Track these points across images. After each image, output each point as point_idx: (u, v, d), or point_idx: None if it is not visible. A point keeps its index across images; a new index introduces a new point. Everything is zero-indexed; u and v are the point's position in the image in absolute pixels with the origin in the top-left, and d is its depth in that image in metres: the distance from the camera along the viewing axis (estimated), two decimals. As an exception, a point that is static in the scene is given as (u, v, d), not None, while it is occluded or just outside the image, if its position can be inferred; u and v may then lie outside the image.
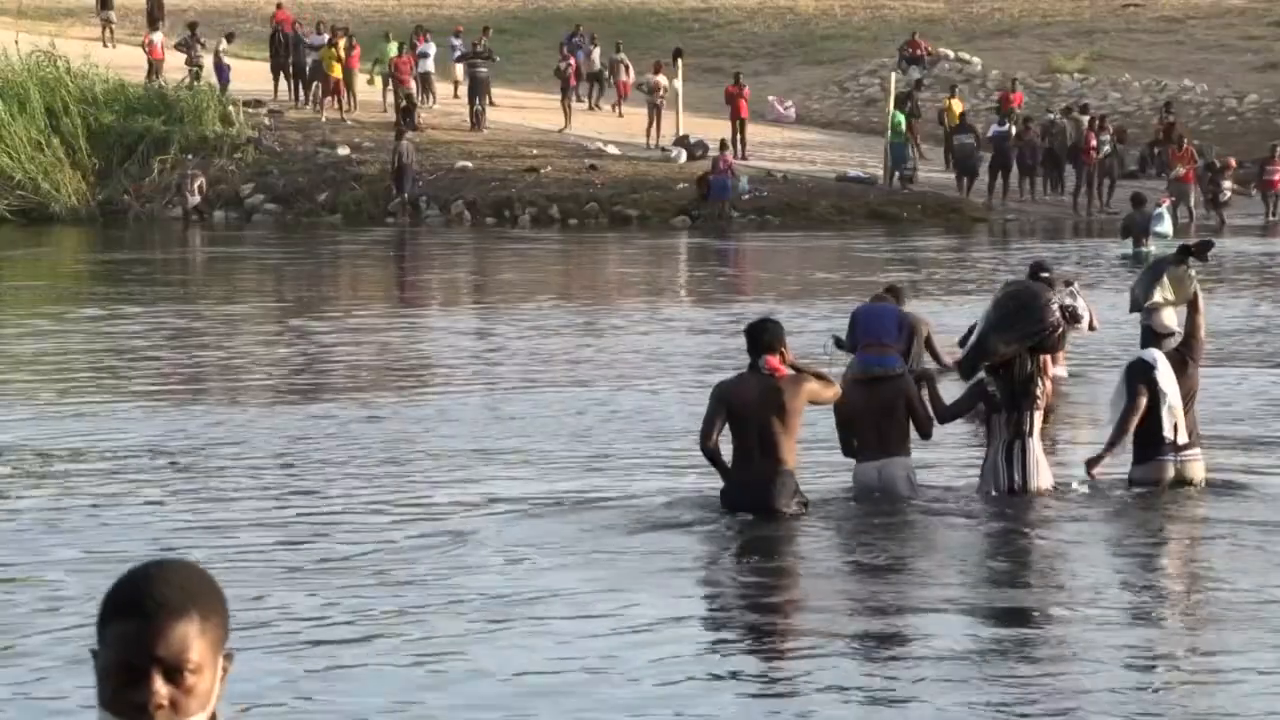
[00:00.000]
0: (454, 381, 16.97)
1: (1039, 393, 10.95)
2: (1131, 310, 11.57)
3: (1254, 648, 8.31)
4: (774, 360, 10.47)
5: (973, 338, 11.29)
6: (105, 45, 46.13)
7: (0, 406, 15.06)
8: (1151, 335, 11.29)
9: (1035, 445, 11.00)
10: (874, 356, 11.13)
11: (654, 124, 40.91)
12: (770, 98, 45.88)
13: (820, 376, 10.74)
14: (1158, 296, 11.23)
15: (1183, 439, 11.14)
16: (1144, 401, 11.07)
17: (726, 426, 10.54)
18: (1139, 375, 11.15)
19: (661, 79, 41.18)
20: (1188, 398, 11.18)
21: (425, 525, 10.74)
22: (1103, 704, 7.51)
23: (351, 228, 37.17)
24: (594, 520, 10.76)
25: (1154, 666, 8.18)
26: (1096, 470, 11.27)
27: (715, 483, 10.82)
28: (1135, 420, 11.12)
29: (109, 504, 11.15)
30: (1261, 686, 7.79)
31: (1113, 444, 11.26)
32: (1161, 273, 11.32)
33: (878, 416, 11.01)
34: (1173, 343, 11.24)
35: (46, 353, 18.81)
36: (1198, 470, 11.31)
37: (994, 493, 11.04)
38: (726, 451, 10.63)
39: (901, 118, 39.54)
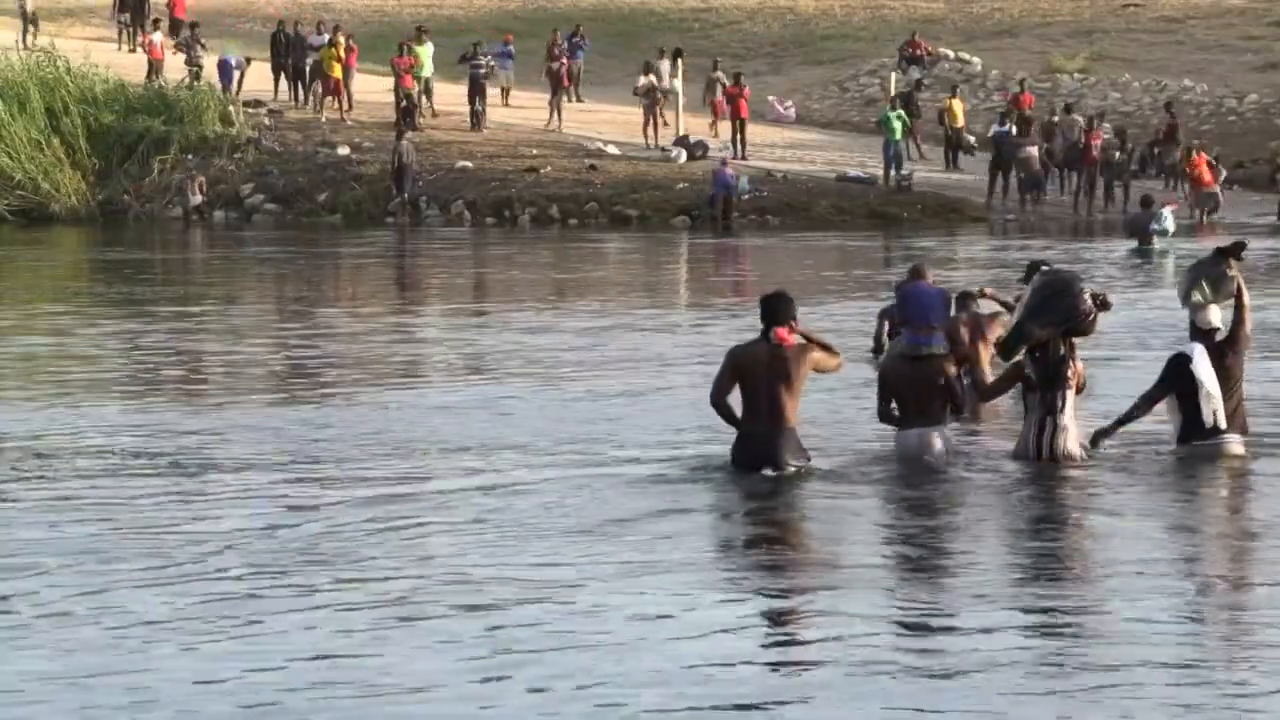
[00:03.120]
0: (455, 377, 16.99)
1: (1070, 374, 11.85)
2: (1182, 306, 12.49)
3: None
4: (783, 331, 11.55)
5: (1011, 321, 12.26)
6: (132, 51, 46.02)
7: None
8: (1196, 330, 12.19)
9: (1066, 421, 11.88)
10: (923, 337, 12.00)
11: (650, 124, 40.92)
12: (770, 98, 45.89)
13: (825, 346, 11.83)
14: (1196, 297, 12.15)
15: (1222, 424, 11.95)
16: (1167, 389, 12.05)
17: (737, 388, 11.61)
18: (1173, 366, 12.09)
19: (654, 79, 41.20)
20: (1230, 386, 12.00)
21: (430, 505, 11.00)
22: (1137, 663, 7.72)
23: (351, 228, 37.19)
24: (605, 489, 11.38)
25: (1193, 629, 8.44)
26: (1105, 442, 12.23)
27: (719, 449, 11.82)
28: (1152, 405, 12.11)
29: (108, 502, 11.14)
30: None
31: (1124, 420, 12.23)
32: (1200, 275, 12.21)
33: (920, 390, 11.99)
34: (1218, 337, 12.10)
35: (44, 352, 18.81)
36: (1234, 451, 12.09)
37: (1027, 461, 11.93)
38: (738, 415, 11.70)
39: (894, 118, 39.45)
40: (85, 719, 7.23)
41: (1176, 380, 12.02)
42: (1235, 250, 12.33)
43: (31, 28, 46.71)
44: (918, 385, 11.98)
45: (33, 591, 9.00)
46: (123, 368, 17.76)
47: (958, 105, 41.85)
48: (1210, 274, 12.16)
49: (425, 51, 42.07)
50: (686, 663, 7.85)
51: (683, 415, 13.95)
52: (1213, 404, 11.87)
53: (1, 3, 51.47)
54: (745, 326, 20.49)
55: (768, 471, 11.52)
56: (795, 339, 11.64)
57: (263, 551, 9.85)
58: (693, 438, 12.97)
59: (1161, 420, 12.38)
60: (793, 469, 11.57)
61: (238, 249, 33.92)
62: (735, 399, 11.78)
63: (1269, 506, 11.13)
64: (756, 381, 11.56)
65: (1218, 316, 12.16)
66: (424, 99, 42.18)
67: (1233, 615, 8.78)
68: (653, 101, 40.90)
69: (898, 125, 39.33)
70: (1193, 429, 12.00)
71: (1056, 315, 11.78)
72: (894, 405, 12.14)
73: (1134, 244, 31.73)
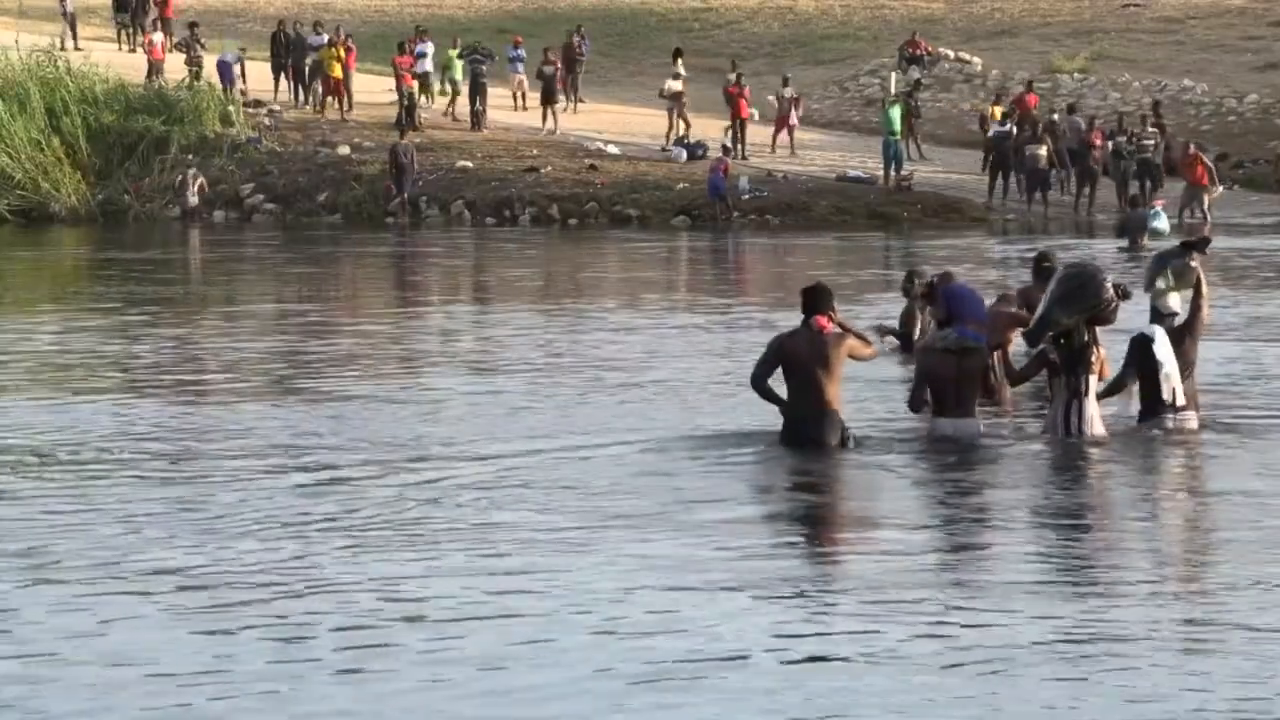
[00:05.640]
0: (472, 372, 17.06)
1: (1094, 359, 12.65)
2: (1145, 292, 13.48)
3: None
4: (822, 319, 12.44)
5: (1038, 311, 12.91)
6: (132, 51, 46.01)
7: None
8: (1157, 314, 13.12)
9: (1090, 403, 12.69)
10: (971, 332, 12.83)
11: (673, 127, 40.95)
12: (770, 97, 45.85)
13: (861, 336, 12.81)
14: (1160, 284, 13.14)
15: (1180, 402, 12.85)
16: (1134, 370, 12.96)
17: (781, 373, 12.51)
18: (1136, 347, 12.99)
19: (679, 84, 41.30)
20: (1186, 368, 12.90)
21: (481, 475, 11.72)
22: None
23: (351, 228, 37.20)
24: (653, 458, 12.30)
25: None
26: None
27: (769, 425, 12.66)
28: (1126, 383, 13.03)
29: (107, 500, 11.15)
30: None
31: (1104, 394, 12.99)
32: (1165, 264, 13.22)
33: (960, 382, 12.76)
34: (1176, 322, 13.04)
35: (42, 351, 18.83)
36: (1191, 426, 12.99)
37: (1057, 438, 12.73)
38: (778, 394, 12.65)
39: (896, 113, 39.44)
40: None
41: (1140, 360, 12.90)
42: (1200, 245, 13.37)
43: (72, 29, 46.72)
44: (959, 378, 12.75)
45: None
46: (119, 366, 17.78)
47: (999, 111, 41.23)
48: (1175, 264, 13.11)
49: (454, 56, 42.04)
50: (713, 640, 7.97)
51: (723, 402, 14.60)
52: (1171, 383, 12.76)
53: (2, 3, 51.54)
54: (744, 325, 20.54)
55: (815, 447, 12.32)
56: (833, 327, 12.50)
57: (272, 541, 9.88)
58: (735, 422, 13.51)
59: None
60: (836, 443, 12.38)
61: (236, 249, 33.92)
62: (778, 384, 12.62)
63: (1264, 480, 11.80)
64: (799, 367, 12.41)
65: (1177, 303, 13.11)
66: (453, 100, 42.20)
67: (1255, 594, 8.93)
68: (678, 105, 41.00)
69: (896, 115, 39.31)
70: (1154, 406, 12.89)
71: (1081, 304, 12.51)
72: (929, 395, 12.90)
73: (1127, 243, 31.61)
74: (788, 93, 41.87)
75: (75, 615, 8.53)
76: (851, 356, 12.57)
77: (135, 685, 7.53)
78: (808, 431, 12.37)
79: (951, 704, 7.22)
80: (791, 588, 8.94)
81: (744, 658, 7.78)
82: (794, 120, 41.69)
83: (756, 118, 41.90)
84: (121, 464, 12.35)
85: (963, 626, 8.21)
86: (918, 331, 17.63)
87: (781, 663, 7.73)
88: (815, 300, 12.56)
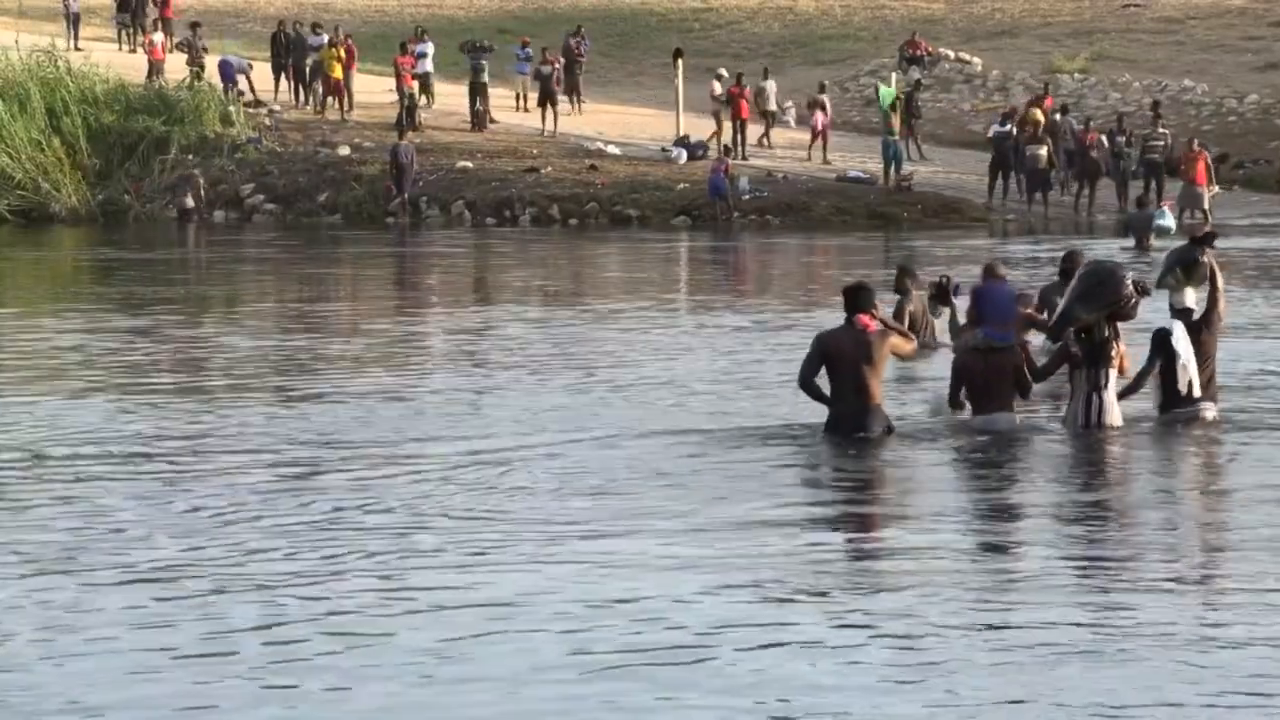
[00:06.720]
0: (528, 370, 17.11)
1: (1114, 353, 13.08)
2: (1156, 289, 13.78)
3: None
4: (865, 318, 12.74)
5: (1059, 307, 13.32)
6: (132, 51, 46.04)
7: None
8: (1174, 310, 13.52)
9: (1110, 396, 13.13)
10: (996, 333, 13.22)
11: (720, 132, 40.89)
12: (771, 97, 45.87)
13: (902, 333, 13.24)
14: (1169, 281, 13.53)
15: (1197, 393, 13.29)
16: (1158, 362, 13.38)
17: (825, 369, 12.81)
18: (1157, 341, 13.41)
19: (719, 85, 41.41)
20: (1205, 360, 13.36)
21: (517, 462, 12.03)
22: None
23: (352, 228, 37.20)
24: (701, 446, 12.63)
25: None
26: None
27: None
28: (1148, 376, 13.43)
29: (107, 500, 11.14)
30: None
31: (1129, 390, 13.44)
32: (1175, 262, 13.58)
33: (990, 380, 13.20)
34: (1193, 316, 13.43)
35: (41, 351, 18.83)
36: (1208, 417, 13.42)
37: (1077, 430, 13.15)
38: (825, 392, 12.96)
39: (889, 94, 39.48)
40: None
41: (1160, 353, 13.33)
42: (1208, 240, 13.73)
43: (74, 30, 46.76)
44: (989, 375, 13.17)
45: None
46: (118, 366, 17.78)
47: (1040, 115, 40.87)
48: (1184, 261, 13.47)
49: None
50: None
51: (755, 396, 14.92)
52: (1189, 375, 13.23)
53: (2, 3, 51.54)
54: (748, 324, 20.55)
55: (859, 435, 12.69)
56: (876, 325, 12.80)
57: (268, 538, 9.88)
58: (775, 417, 13.78)
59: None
60: (880, 433, 12.74)
61: (236, 249, 33.90)
62: (823, 381, 12.96)
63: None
64: (844, 364, 12.72)
65: (1192, 298, 13.51)
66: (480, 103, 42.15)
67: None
68: (724, 106, 41.04)
69: (888, 95, 39.35)
70: (1172, 398, 13.36)
71: (1101, 300, 12.94)
72: (964, 392, 13.32)
73: (1132, 243, 31.62)
74: (821, 98, 41.87)
75: (71, 614, 8.52)
76: (894, 354, 12.96)
77: (130, 683, 7.53)
78: (854, 426, 12.68)
79: (971, 699, 7.21)
80: (817, 583, 8.95)
81: (758, 649, 7.80)
82: (820, 126, 41.67)
83: (778, 120, 42.09)
84: (120, 464, 12.34)
85: (979, 623, 8.20)
86: (906, 325, 17.59)
87: (798, 658, 7.75)
88: (858, 299, 12.83)
